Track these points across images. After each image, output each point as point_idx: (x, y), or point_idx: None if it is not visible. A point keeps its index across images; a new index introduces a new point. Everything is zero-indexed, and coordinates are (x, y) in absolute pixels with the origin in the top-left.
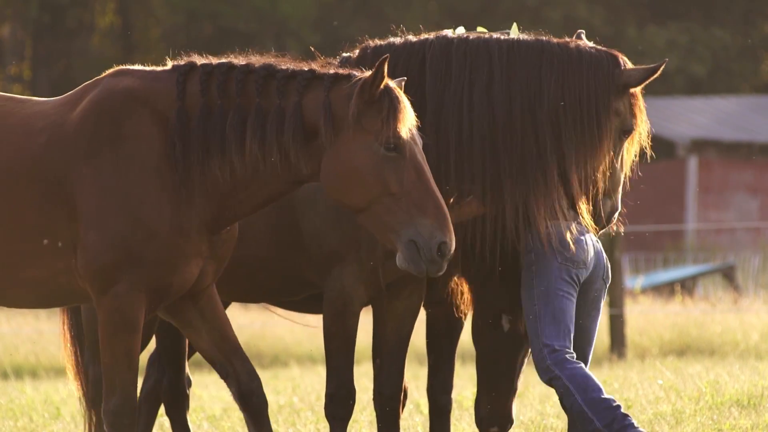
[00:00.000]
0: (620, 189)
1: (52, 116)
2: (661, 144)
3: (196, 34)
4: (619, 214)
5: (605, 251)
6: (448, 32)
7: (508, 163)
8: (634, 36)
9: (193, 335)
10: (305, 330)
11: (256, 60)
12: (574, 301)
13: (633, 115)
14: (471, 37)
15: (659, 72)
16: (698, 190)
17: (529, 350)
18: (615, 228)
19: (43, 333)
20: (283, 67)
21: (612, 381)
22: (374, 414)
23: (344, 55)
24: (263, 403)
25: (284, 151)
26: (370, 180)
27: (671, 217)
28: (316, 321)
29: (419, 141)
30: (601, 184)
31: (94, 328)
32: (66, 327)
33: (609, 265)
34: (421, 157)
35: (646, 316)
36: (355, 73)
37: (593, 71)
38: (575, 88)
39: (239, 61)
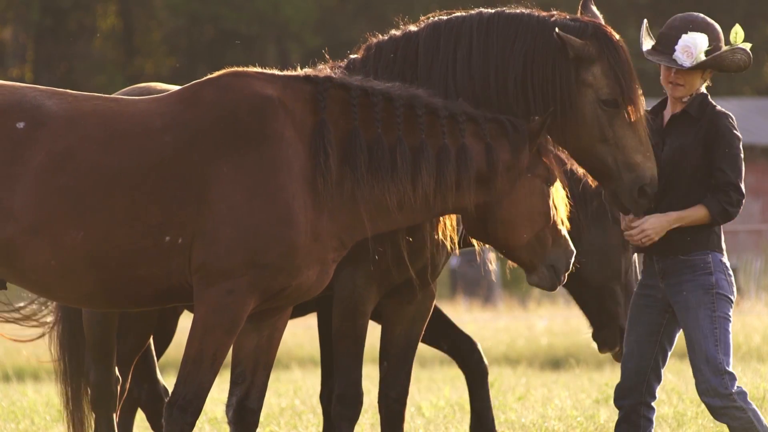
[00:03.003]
0: (646, 154)
1: (169, 115)
2: None
3: (198, 37)
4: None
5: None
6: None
7: None
8: (634, 38)
9: (245, 334)
10: (307, 332)
11: (391, 87)
12: None
13: (611, 84)
14: (462, 14)
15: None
16: None
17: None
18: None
19: (44, 336)
20: (439, 105)
21: (614, 383)
22: (376, 416)
23: (351, 57)
24: (256, 423)
25: (454, 188)
26: (541, 219)
27: None
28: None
29: None
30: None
31: (95, 330)
32: (56, 333)
33: None
34: None
35: None
36: (503, 118)
37: (560, 43)
38: (542, 62)
39: (378, 85)
